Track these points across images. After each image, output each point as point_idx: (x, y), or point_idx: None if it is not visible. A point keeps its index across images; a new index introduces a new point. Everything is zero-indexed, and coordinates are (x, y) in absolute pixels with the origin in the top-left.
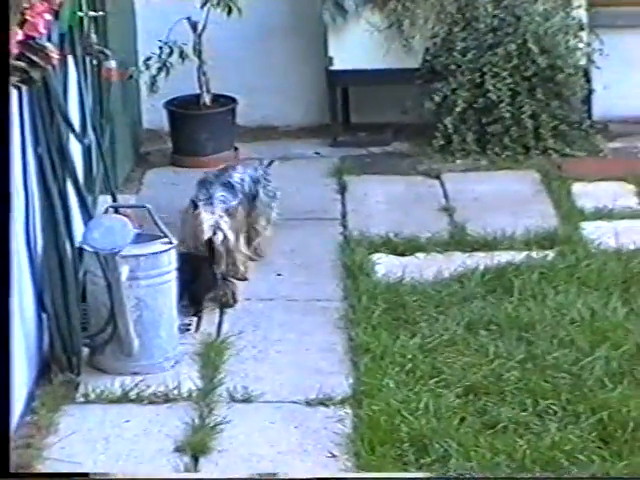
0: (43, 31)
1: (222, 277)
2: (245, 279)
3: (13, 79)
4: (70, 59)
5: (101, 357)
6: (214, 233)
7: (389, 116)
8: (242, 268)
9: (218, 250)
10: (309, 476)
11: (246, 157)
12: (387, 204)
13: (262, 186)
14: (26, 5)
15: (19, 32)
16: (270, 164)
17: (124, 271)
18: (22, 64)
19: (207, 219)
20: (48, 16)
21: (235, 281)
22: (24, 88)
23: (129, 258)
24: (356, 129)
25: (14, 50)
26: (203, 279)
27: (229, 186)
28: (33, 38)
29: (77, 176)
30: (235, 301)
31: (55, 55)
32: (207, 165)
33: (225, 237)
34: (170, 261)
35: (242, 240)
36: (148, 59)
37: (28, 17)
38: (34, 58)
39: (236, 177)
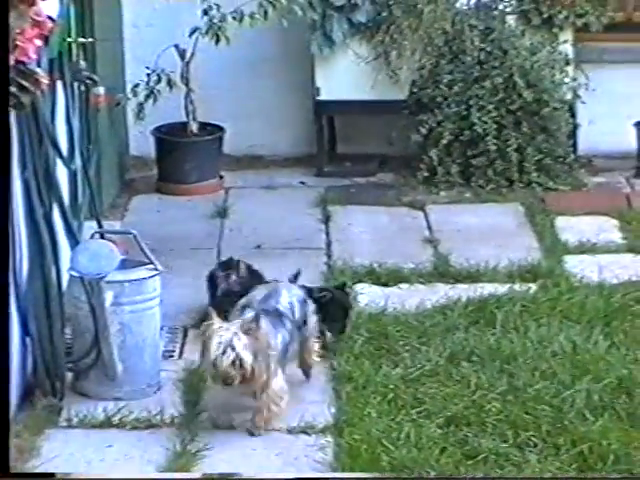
0: (33, 56)
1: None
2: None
3: None
4: (59, 85)
5: (85, 382)
6: (224, 352)
7: (375, 147)
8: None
9: (226, 372)
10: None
11: (231, 186)
12: (371, 235)
13: (309, 307)
14: (17, 31)
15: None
16: (296, 277)
17: (108, 296)
18: (12, 89)
19: (219, 334)
20: (38, 42)
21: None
22: (12, 112)
23: (114, 284)
24: (342, 159)
25: None
26: None
27: (276, 314)
28: (23, 63)
29: (63, 201)
30: None
31: (45, 80)
32: (191, 193)
33: (238, 359)
34: (155, 287)
35: (273, 366)
36: (136, 86)
37: (19, 42)
38: (24, 83)
39: (284, 302)
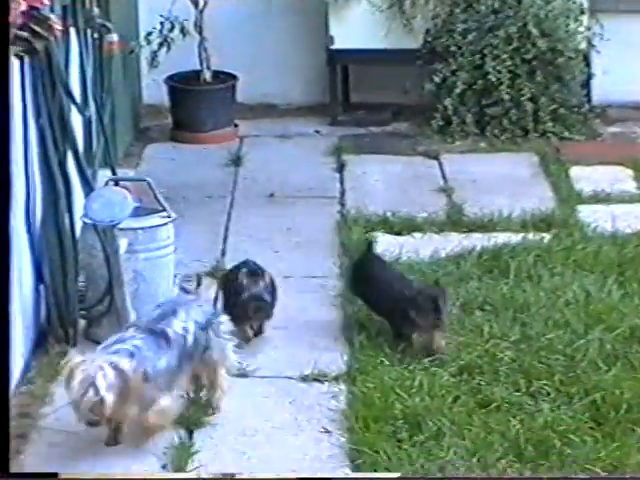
0: (46, 2)
1: None
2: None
3: (16, 49)
4: (72, 31)
5: (97, 329)
6: (85, 392)
7: (389, 96)
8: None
9: (87, 415)
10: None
11: (245, 134)
12: (385, 184)
13: (214, 330)
14: None
15: (22, 3)
16: (199, 283)
17: (122, 244)
18: (25, 34)
19: (82, 369)
20: None
21: None
22: (26, 59)
23: (128, 231)
24: (356, 108)
25: (18, 20)
26: None
27: (161, 336)
28: (37, 9)
29: (78, 148)
30: None
31: (58, 26)
32: (206, 141)
33: (100, 401)
34: (169, 235)
35: (148, 398)
36: (149, 34)
37: None
38: (37, 29)
39: (177, 326)
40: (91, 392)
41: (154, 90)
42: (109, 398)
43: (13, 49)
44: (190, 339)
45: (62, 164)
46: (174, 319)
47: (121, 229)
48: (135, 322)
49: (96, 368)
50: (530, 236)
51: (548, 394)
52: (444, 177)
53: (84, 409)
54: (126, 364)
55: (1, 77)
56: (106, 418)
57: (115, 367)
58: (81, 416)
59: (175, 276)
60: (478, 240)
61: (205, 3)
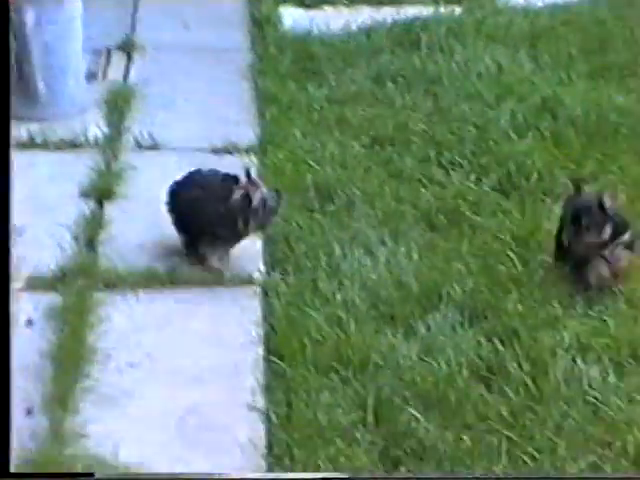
0: None
1: None
2: None
3: None
4: None
5: None
6: None
7: None
8: None
9: None
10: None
11: None
12: None
13: None
14: None
15: None
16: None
17: (30, 17)
18: None
19: None
20: None
21: None
22: None
23: (35, 3)
24: None
25: None
26: None
27: None
28: None
29: None
30: None
31: None
32: None
33: None
34: (77, 8)
35: None
36: None
37: None
38: None
39: None
40: None
41: None
42: None
43: None
44: None
45: None
46: None
47: (28, 0)
48: None
49: None
50: (441, 9)
51: (460, 166)
52: None
53: None
54: None
55: None
56: None
57: None
58: None
59: (85, 51)
60: (389, 13)
61: None
